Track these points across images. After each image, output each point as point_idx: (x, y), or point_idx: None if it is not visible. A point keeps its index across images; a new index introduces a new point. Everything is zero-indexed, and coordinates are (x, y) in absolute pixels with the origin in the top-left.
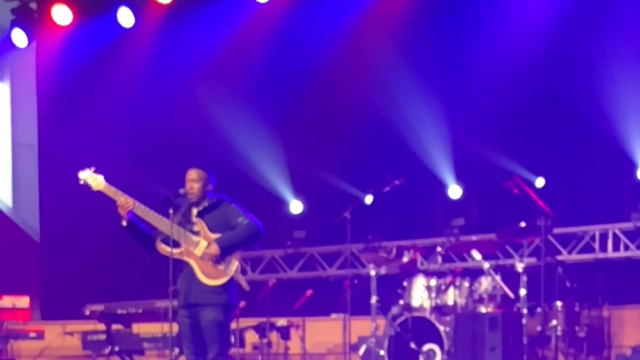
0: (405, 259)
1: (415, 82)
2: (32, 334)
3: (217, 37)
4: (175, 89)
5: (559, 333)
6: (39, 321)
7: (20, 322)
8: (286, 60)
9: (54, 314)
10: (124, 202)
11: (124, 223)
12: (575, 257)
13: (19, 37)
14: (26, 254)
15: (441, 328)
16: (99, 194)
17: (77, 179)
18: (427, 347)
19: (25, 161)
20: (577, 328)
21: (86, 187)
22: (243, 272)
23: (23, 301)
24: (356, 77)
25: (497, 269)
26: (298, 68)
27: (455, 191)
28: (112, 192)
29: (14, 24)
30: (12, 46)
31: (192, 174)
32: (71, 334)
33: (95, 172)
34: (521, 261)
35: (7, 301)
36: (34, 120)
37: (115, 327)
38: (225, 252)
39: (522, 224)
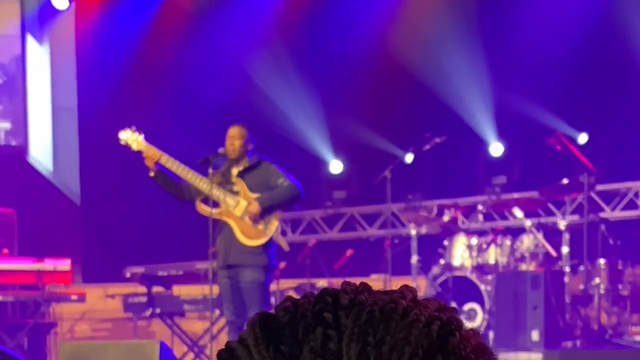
0: (445, 218)
1: (456, 38)
2: (74, 297)
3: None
4: (217, 52)
5: (602, 291)
6: (80, 284)
7: (62, 285)
8: (326, 21)
9: (95, 276)
10: (151, 153)
11: (152, 174)
12: (618, 214)
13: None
14: (67, 217)
15: (482, 287)
16: (139, 156)
17: (117, 141)
18: (468, 306)
19: (65, 124)
20: (620, 286)
21: (126, 149)
22: (283, 233)
23: (64, 264)
24: (396, 35)
25: (539, 226)
26: (337, 27)
27: (496, 148)
28: (152, 151)
29: None
30: (52, 9)
31: (233, 131)
32: (112, 296)
33: (135, 131)
34: (563, 219)
35: (49, 264)
36: (73, 83)
37: (155, 289)
38: (265, 212)
39: (565, 181)
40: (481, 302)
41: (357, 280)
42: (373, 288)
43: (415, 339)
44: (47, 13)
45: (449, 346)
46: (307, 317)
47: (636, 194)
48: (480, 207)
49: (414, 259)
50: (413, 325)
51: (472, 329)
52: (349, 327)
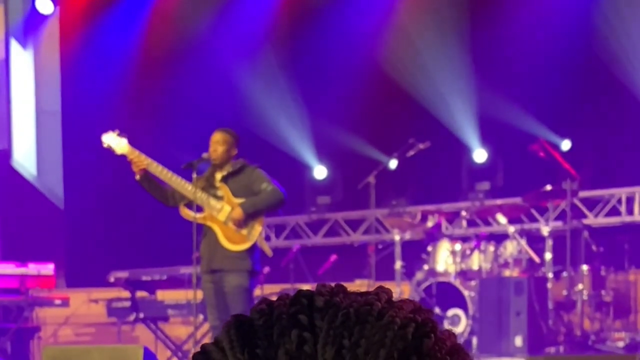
0: (429, 224)
1: (441, 44)
2: (57, 301)
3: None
4: (202, 56)
5: (584, 297)
6: (63, 288)
7: (45, 290)
8: (311, 27)
9: (78, 281)
10: (137, 160)
11: (137, 177)
12: (601, 220)
13: (43, 4)
14: (51, 222)
15: (466, 293)
16: (123, 160)
17: (101, 145)
18: (451, 312)
19: (49, 128)
20: (603, 292)
21: (110, 153)
22: (267, 238)
23: (48, 268)
24: (381, 41)
25: (522, 233)
26: (322, 33)
27: (480, 155)
28: (135, 155)
29: None
30: (36, 13)
31: (217, 137)
32: (96, 301)
33: (119, 135)
34: (547, 225)
35: (32, 268)
36: (57, 87)
37: (139, 294)
38: (248, 217)
39: (548, 188)
40: (465, 308)
41: None
42: (348, 290)
43: (390, 341)
44: (31, 17)
45: (424, 348)
46: (283, 320)
47: (619, 201)
48: (463, 213)
49: (398, 264)
50: (388, 328)
51: (447, 330)
52: (324, 330)
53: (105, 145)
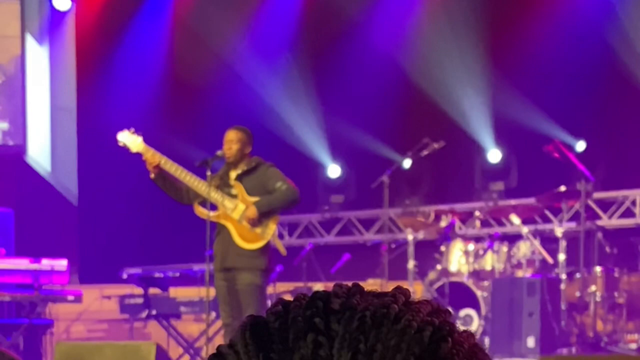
0: (443, 224)
1: (456, 44)
2: (70, 297)
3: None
4: (216, 53)
5: (597, 299)
6: (76, 284)
7: (58, 285)
8: (329, 25)
9: (91, 277)
10: (151, 158)
11: (152, 176)
12: (615, 222)
13: (60, 1)
14: (64, 218)
15: (478, 293)
16: (137, 157)
17: (115, 142)
18: (464, 312)
19: (63, 125)
20: (616, 294)
21: (124, 150)
22: (280, 236)
23: (61, 264)
24: (397, 40)
25: (535, 233)
26: (340, 32)
27: (494, 155)
28: (150, 153)
29: None
30: (53, 9)
31: (231, 135)
32: (108, 297)
33: (134, 133)
34: (560, 226)
35: (46, 264)
36: (72, 84)
37: (152, 290)
38: (262, 216)
39: (562, 189)
40: (477, 308)
41: None
42: (365, 289)
43: (406, 345)
44: (48, 13)
45: (441, 352)
46: (298, 323)
47: (633, 202)
48: (477, 213)
49: (411, 264)
50: (405, 332)
51: (465, 331)
52: (340, 334)
53: (120, 144)
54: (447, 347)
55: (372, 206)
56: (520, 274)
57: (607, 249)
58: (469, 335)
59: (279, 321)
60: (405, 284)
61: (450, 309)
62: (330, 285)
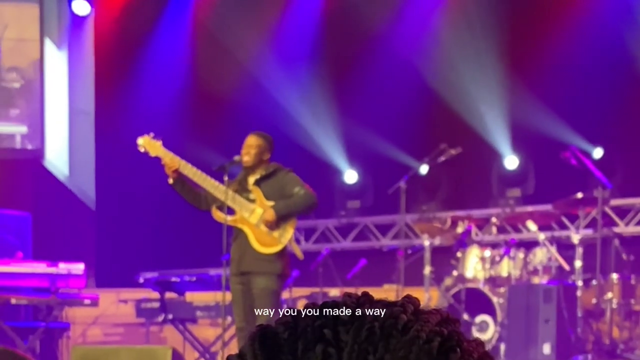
0: (459, 230)
1: (473, 50)
2: (87, 301)
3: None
4: (236, 58)
5: (614, 306)
6: (93, 288)
7: (75, 289)
8: (347, 32)
9: (108, 281)
10: (170, 162)
11: (171, 181)
12: (632, 229)
13: (79, 5)
14: (82, 222)
15: (495, 299)
16: (155, 161)
17: (133, 147)
18: (480, 318)
19: (81, 128)
20: (632, 301)
21: (141, 154)
22: (296, 241)
23: (78, 268)
24: (414, 46)
25: (552, 240)
26: (357, 38)
27: (511, 161)
28: (170, 157)
29: None
30: (71, 13)
31: (251, 140)
32: (125, 301)
33: (154, 138)
34: (577, 233)
35: (63, 268)
36: (91, 87)
37: (168, 295)
38: (280, 220)
39: (579, 195)
40: (493, 315)
41: (369, 290)
42: (375, 298)
43: (415, 356)
44: (67, 18)
45: None
46: (307, 334)
47: None
48: (494, 220)
49: (427, 269)
50: (413, 343)
51: (475, 340)
52: (349, 345)
53: (140, 148)
54: (456, 357)
55: (389, 212)
56: (536, 280)
57: (624, 256)
58: (479, 344)
59: (288, 332)
60: (421, 290)
61: (465, 315)
62: (346, 291)
